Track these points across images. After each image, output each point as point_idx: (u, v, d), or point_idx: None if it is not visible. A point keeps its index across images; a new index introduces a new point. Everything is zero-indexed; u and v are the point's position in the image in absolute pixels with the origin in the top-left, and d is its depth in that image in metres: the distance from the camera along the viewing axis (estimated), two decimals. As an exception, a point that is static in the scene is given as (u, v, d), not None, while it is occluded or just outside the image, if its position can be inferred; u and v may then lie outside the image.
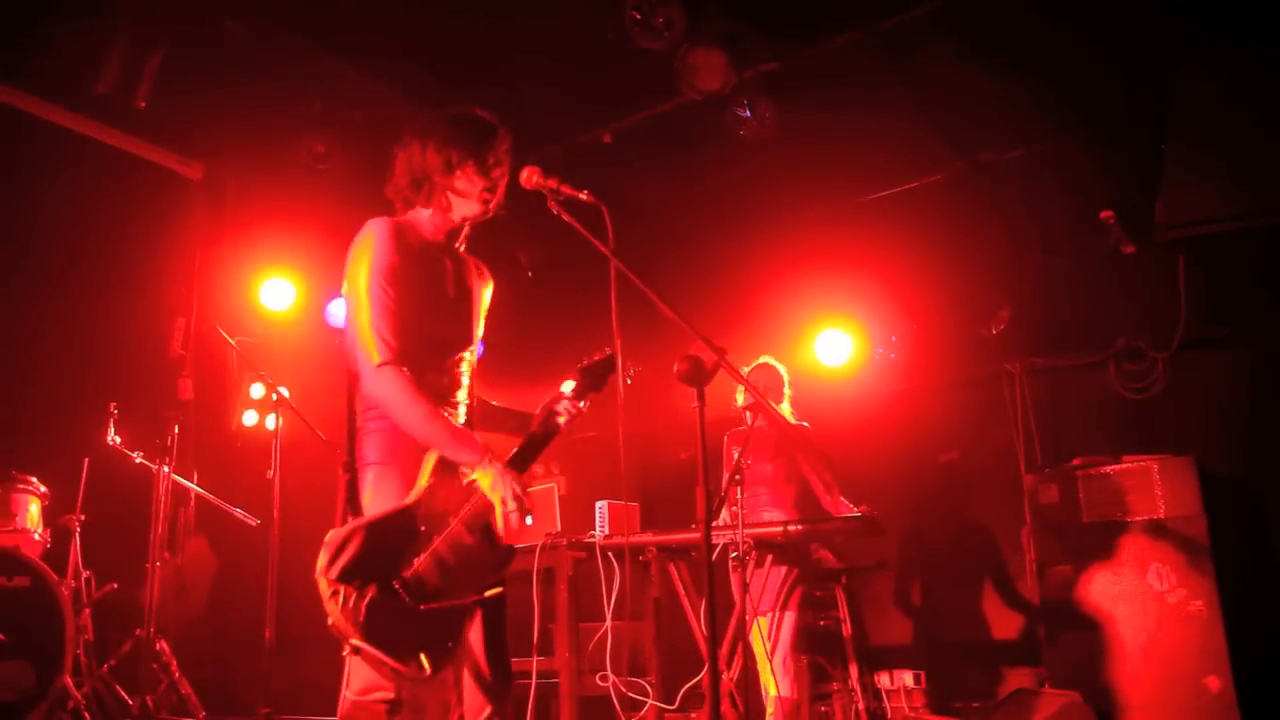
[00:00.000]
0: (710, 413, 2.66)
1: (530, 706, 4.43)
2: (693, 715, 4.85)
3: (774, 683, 4.50)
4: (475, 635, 2.47)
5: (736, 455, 4.40)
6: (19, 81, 5.55)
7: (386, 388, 2.43)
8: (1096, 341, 6.29)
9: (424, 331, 2.54)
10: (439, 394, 2.53)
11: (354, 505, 2.46)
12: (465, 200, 2.64)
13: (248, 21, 5.18)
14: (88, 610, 4.99)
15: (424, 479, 2.42)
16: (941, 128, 6.10)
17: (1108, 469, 5.26)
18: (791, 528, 4.40)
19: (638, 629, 4.93)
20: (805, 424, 5.09)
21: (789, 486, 4.88)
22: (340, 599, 2.28)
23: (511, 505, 2.39)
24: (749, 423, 4.77)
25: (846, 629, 5.30)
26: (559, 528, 5.29)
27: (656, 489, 6.45)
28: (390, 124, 3.48)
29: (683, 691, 4.70)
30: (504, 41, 5.34)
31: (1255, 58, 5.03)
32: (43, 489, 5.00)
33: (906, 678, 5.74)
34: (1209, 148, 5.22)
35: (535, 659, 4.52)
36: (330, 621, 2.31)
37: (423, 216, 2.68)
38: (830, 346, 6.88)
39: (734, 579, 4.37)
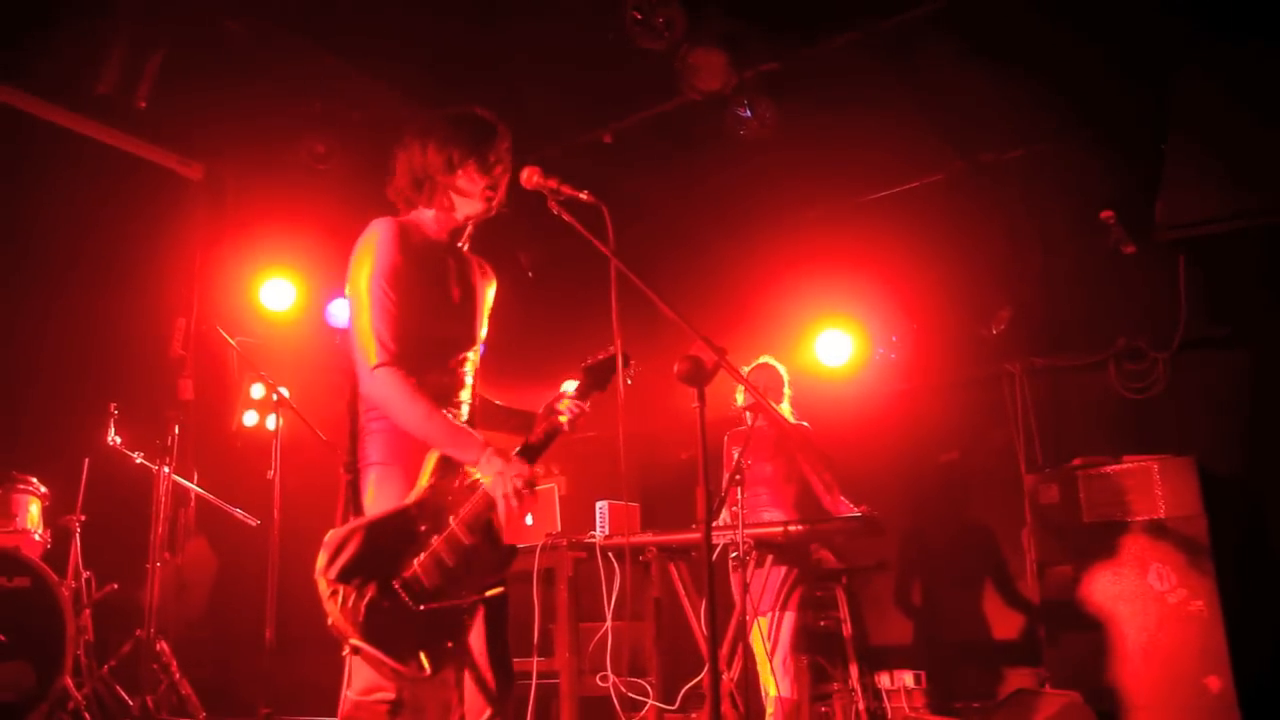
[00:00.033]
0: (710, 413, 2.67)
1: (530, 707, 4.43)
2: (693, 715, 4.85)
3: (774, 683, 4.50)
4: (477, 636, 2.47)
5: (737, 455, 4.40)
6: (19, 81, 5.55)
7: (384, 388, 2.43)
8: (1097, 341, 6.29)
9: (427, 331, 2.53)
10: (442, 394, 2.52)
11: (356, 505, 2.46)
12: (468, 199, 2.64)
13: (248, 21, 5.18)
14: (88, 611, 4.99)
15: (424, 479, 2.42)
16: (941, 128, 6.10)
17: (1108, 469, 5.26)
18: (792, 528, 4.40)
19: (638, 629, 4.94)
20: (805, 424, 5.09)
21: (789, 486, 4.88)
22: (339, 599, 2.28)
23: (514, 500, 2.38)
24: (749, 423, 4.77)
25: (847, 629, 5.30)
26: (559, 528, 5.29)
27: (657, 489, 6.45)
28: (390, 124, 3.48)
29: (683, 692, 4.70)
30: (504, 41, 5.34)
31: (1255, 58, 5.04)
32: (43, 489, 5.00)
33: (907, 678, 5.74)
34: (1209, 148, 5.22)
35: (536, 659, 4.52)
36: (330, 621, 2.31)
37: (426, 216, 2.68)
38: (830, 346, 6.88)
39: (734, 579, 4.37)
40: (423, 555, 2.36)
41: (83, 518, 5.07)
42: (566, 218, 2.60)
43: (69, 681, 4.55)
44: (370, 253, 2.51)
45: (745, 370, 5.01)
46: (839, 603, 5.33)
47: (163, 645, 5.05)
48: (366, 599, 2.29)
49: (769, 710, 4.53)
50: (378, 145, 2.94)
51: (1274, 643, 5.10)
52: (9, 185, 5.60)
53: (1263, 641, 5.01)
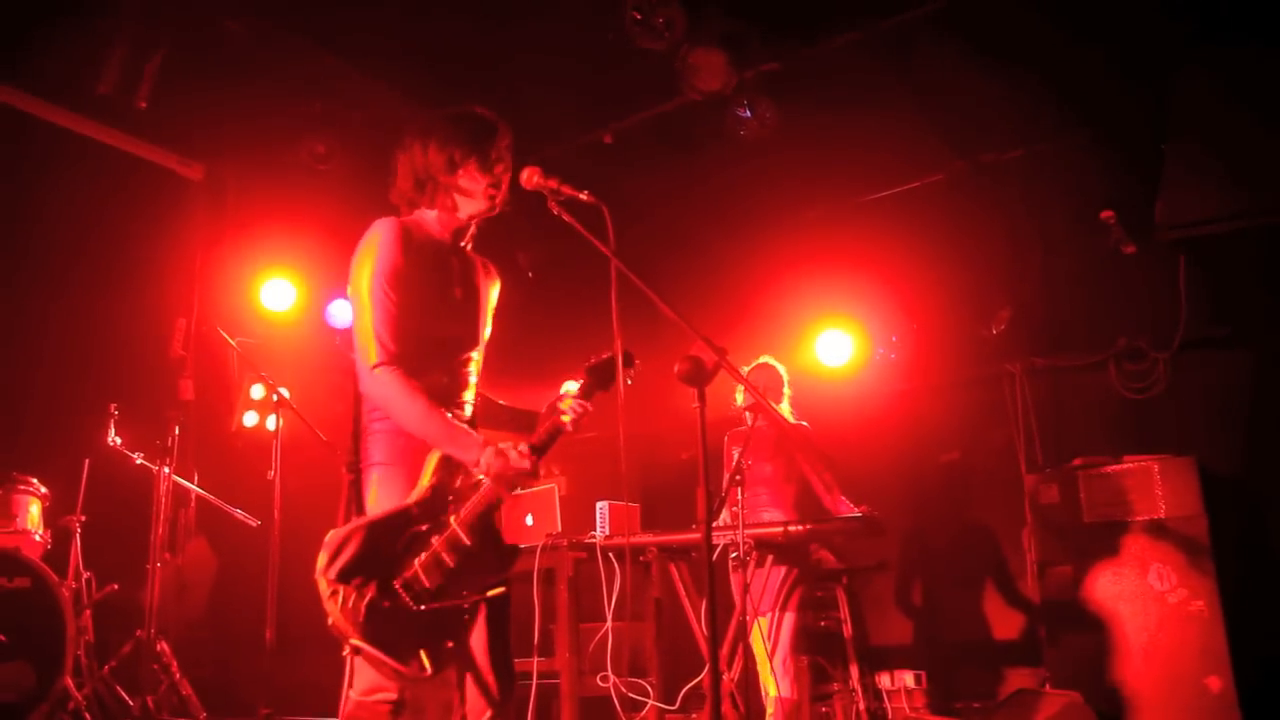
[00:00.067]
0: (710, 413, 2.67)
1: (531, 707, 4.42)
2: (693, 716, 4.85)
3: (774, 683, 4.50)
4: (478, 636, 2.46)
5: (737, 455, 4.40)
6: (20, 82, 5.56)
7: (382, 388, 2.43)
8: (1097, 341, 6.28)
9: (429, 332, 2.54)
10: (444, 394, 2.52)
11: (358, 505, 2.46)
12: (470, 198, 2.64)
13: (248, 21, 5.19)
14: (88, 611, 4.99)
15: (426, 479, 2.42)
16: (941, 128, 6.10)
17: (1108, 469, 5.26)
18: (792, 528, 4.39)
19: (638, 629, 4.93)
20: (805, 424, 5.09)
21: (789, 486, 4.88)
22: (340, 599, 2.28)
23: (521, 464, 2.38)
24: (749, 423, 4.77)
25: (847, 629, 5.29)
26: (559, 528, 5.28)
27: (657, 489, 6.45)
28: (390, 124, 3.49)
29: (683, 692, 4.69)
30: (504, 41, 5.35)
31: (1255, 58, 5.04)
32: (43, 490, 5.00)
33: (907, 678, 5.74)
34: (1209, 148, 5.22)
35: (536, 660, 4.52)
36: (330, 621, 2.31)
37: (429, 217, 2.68)
38: (830, 346, 6.88)
39: (734, 579, 4.37)
40: (423, 555, 2.36)
41: (83, 518, 5.07)
42: (567, 218, 2.60)
43: (69, 682, 4.55)
44: (372, 253, 2.51)
45: (745, 370, 5.01)
46: (839, 603, 5.32)
47: (163, 645, 5.05)
48: (367, 599, 2.29)
49: (769, 710, 4.53)
50: (378, 145, 2.95)
51: (1274, 643, 5.10)
52: (9, 185, 5.61)
53: (1263, 641, 5.00)
